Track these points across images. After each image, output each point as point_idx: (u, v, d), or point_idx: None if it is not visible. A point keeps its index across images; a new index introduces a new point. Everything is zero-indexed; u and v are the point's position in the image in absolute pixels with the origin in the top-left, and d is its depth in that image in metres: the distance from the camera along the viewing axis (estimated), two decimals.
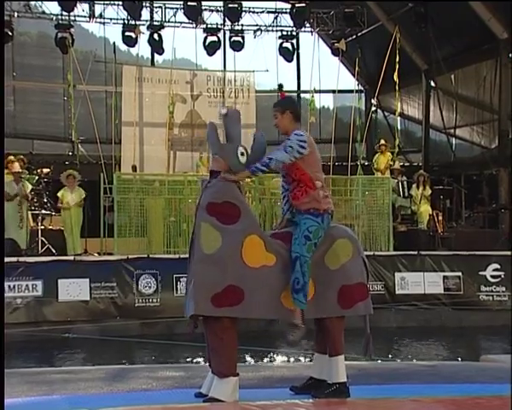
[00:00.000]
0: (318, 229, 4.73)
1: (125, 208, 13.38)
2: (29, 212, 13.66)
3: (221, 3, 19.79)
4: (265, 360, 9.71)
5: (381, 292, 13.12)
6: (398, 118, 19.86)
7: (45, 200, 14.36)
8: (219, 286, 4.41)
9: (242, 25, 20.18)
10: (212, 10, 20.13)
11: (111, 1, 19.26)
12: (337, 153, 19.35)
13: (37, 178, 14.60)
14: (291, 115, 4.87)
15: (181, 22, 19.84)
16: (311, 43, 21.03)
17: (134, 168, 17.18)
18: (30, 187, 13.58)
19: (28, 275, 11.88)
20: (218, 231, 4.48)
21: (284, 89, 5.45)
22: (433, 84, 21.25)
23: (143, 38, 19.35)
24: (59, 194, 13.65)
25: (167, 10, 19.83)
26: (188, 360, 9.51)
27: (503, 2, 17.04)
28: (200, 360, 8.82)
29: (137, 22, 19.07)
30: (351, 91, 20.11)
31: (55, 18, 19.00)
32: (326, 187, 4.96)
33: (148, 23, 19.63)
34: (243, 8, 19.67)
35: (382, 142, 17.00)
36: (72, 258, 12.66)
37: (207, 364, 4.69)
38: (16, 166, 13.52)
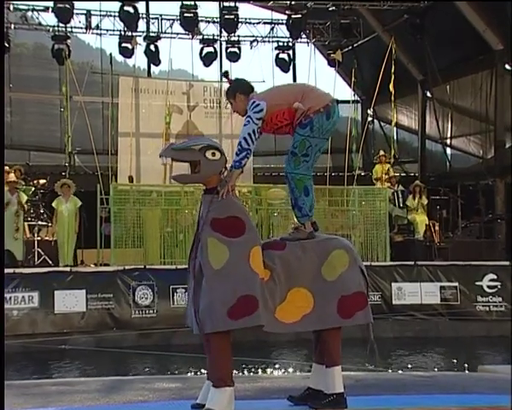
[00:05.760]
0: (304, 140, 4.70)
1: (121, 219, 13.35)
2: (25, 223, 13.63)
3: (217, 14, 19.86)
4: (262, 370, 9.69)
5: (377, 302, 13.11)
6: (395, 128, 19.89)
7: (41, 211, 14.33)
8: (233, 299, 4.36)
9: (239, 36, 20.26)
10: (209, 21, 20.22)
11: (108, 11, 19.34)
12: (333, 163, 19.36)
13: (33, 189, 14.56)
14: (242, 96, 4.79)
15: (177, 33, 19.91)
16: (307, 53, 21.13)
17: (130, 179, 17.15)
18: (25, 198, 13.53)
19: (24, 286, 11.85)
20: (224, 245, 4.45)
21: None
22: (428, 94, 21.33)
23: (140, 49, 19.41)
24: (53, 203, 13.58)
25: (164, 21, 19.89)
26: (184, 371, 9.48)
27: (497, 14, 17.15)
28: (197, 370, 8.80)
29: (134, 33, 19.15)
30: (347, 102, 20.15)
31: (51, 29, 19.06)
32: (310, 90, 4.84)
33: (145, 34, 19.69)
34: (239, 20, 19.74)
35: (382, 153, 17.15)
36: (68, 269, 12.63)
37: (206, 374, 4.67)
38: (11, 177, 13.48)
